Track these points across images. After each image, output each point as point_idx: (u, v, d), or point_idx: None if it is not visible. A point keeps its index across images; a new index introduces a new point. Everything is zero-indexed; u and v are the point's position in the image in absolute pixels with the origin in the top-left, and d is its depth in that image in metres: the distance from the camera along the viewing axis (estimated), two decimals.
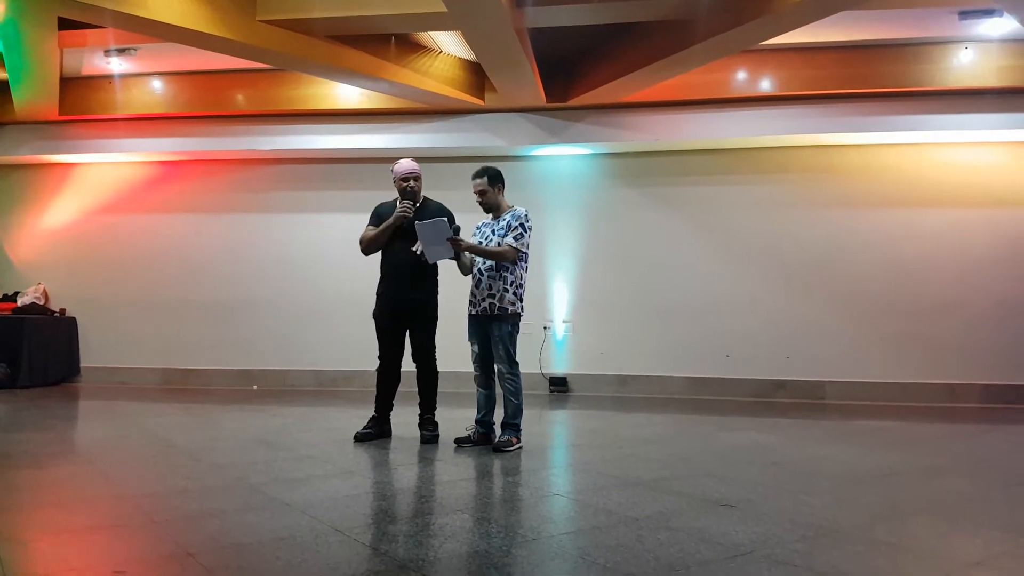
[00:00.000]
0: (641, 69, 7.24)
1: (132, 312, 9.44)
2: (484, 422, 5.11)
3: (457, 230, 4.87)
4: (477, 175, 5.08)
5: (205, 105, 8.85)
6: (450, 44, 7.82)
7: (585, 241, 8.90)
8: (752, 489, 3.87)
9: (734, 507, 3.46)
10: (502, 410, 5.05)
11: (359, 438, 5.20)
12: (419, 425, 5.30)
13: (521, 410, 5.02)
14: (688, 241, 8.74)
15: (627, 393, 8.56)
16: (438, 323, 5.32)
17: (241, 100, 8.80)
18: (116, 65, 8.36)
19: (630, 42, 7.33)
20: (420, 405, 5.32)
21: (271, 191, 9.43)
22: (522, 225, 4.97)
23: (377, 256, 5.31)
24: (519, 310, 5.00)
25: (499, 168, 5.16)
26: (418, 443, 5.14)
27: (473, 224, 5.21)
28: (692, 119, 8.35)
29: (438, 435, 5.24)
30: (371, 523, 3.24)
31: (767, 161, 8.61)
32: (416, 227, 4.86)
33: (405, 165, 5.23)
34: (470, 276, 5.10)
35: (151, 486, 3.93)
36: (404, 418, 5.42)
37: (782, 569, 2.61)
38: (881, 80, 7.79)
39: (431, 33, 7.54)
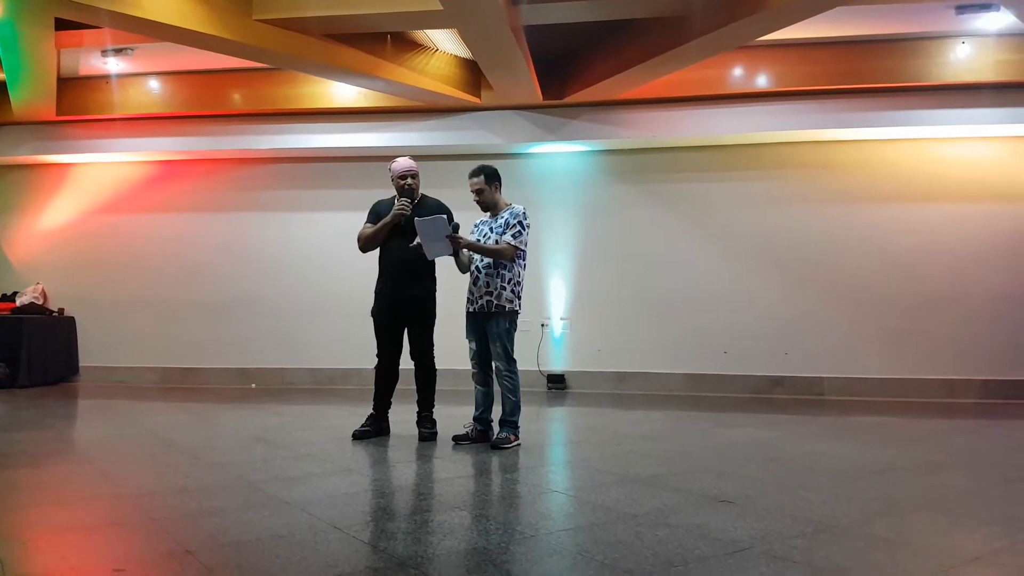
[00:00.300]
0: (637, 66, 7.24)
1: (130, 311, 9.44)
2: (482, 419, 5.11)
3: (456, 227, 4.87)
4: (473, 174, 5.08)
5: (202, 104, 8.84)
6: (446, 42, 7.81)
7: (582, 238, 8.90)
8: (751, 485, 3.87)
9: (733, 503, 3.46)
10: (500, 407, 5.05)
11: (357, 436, 5.20)
12: (417, 423, 5.31)
13: (519, 407, 5.03)
14: (685, 238, 8.75)
15: (625, 390, 8.56)
16: (436, 321, 5.32)
17: (238, 99, 8.80)
18: (113, 65, 8.38)
19: (626, 39, 7.32)
20: (418, 403, 5.33)
21: (268, 190, 9.42)
22: (520, 223, 4.97)
23: (375, 254, 5.31)
24: (517, 307, 5.01)
25: (495, 166, 5.17)
26: (416, 441, 5.14)
27: (471, 222, 5.21)
28: (688, 116, 8.35)
29: (436, 433, 5.24)
30: (370, 520, 3.25)
31: (764, 157, 8.61)
32: (415, 224, 4.86)
33: (403, 163, 5.23)
34: (468, 273, 5.10)
35: (150, 485, 3.94)
36: (402, 416, 5.43)
37: (781, 565, 2.62)
38: (878, 75, 7.79)
39: (427, 31, 7.53)
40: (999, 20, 7.05)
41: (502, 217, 5.03)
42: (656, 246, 8.76)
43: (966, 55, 7.57)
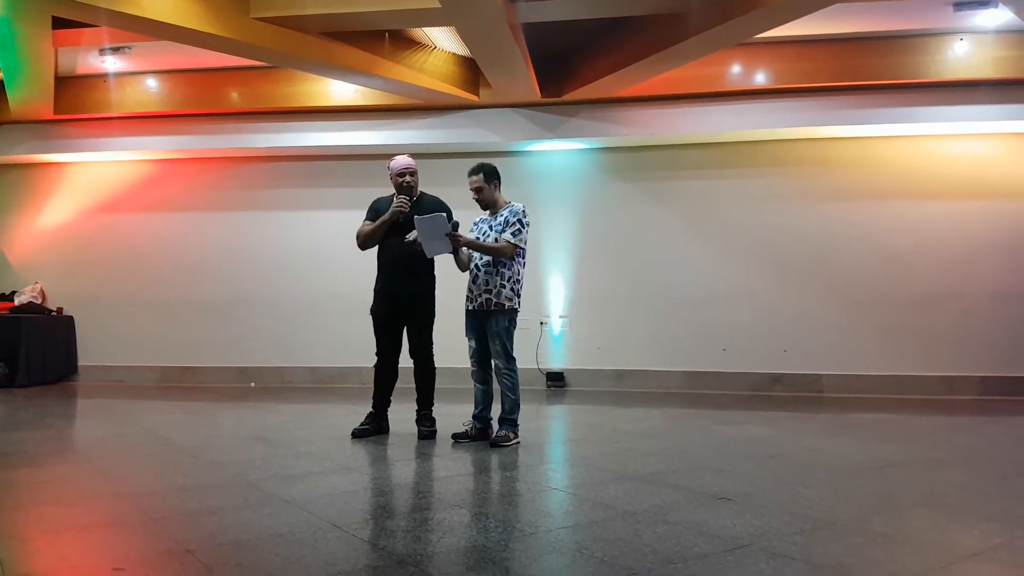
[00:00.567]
0: (635, 64, 7.23)
1: (129, 310, 9.43)
2: (481, 417, 5.12)
3: (456, 225, 4.87)
4: (473, 172, 5.08)
5: (200, 103, 8.83)
6: (444, 40, 7.80)
7: (581, 236, 8.90)
8: (750, 482, 3.88)
9: (732, 500, 3.47)
10: (499, 405, 5.05)
11: (357, 434, 5.21)
12: (417, 421, 5.31)
13: (518, 405, 5.03)
14: (684, 235, 8.75)
15: (624, 388, 8.56)
16: (435, 319, 5.32)
17: (235, 98, 8.79)
18: (110, 64, 8.35)
19: (624, 37, 7.32)
20: (417, 401, 5.33)
21: (266, 188, 9.41)
22: (520, 221, 4.97)
23: (374, 252, 5.31)
24: (516, 305, 5.01)
25: (494, 164, 5.17)
26: (416, 439, 5.14)
27: (470, 220, 5.21)
28: (686, 113, 8.34)
29: (436, 431, 5.25)
30: (369, 519, 3.25)
31: (762, 154, 8.61)
32: (415, 222, 4.86)
33: (401, 161, 5.23)
34: (467, 272, 5.11)
35: (149, 484, 3.94)
36: (402, 414, 5.43)
37: (780, 561, 2.62)
38: (876, 72, 7.78)
39: (425, 29, 7.52)
40: (997, 17, 7.04)
41: (502, 215, 5.03)
42: (655, 244, 8.76)
43: (964, 52, 7.56)
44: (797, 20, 6.41)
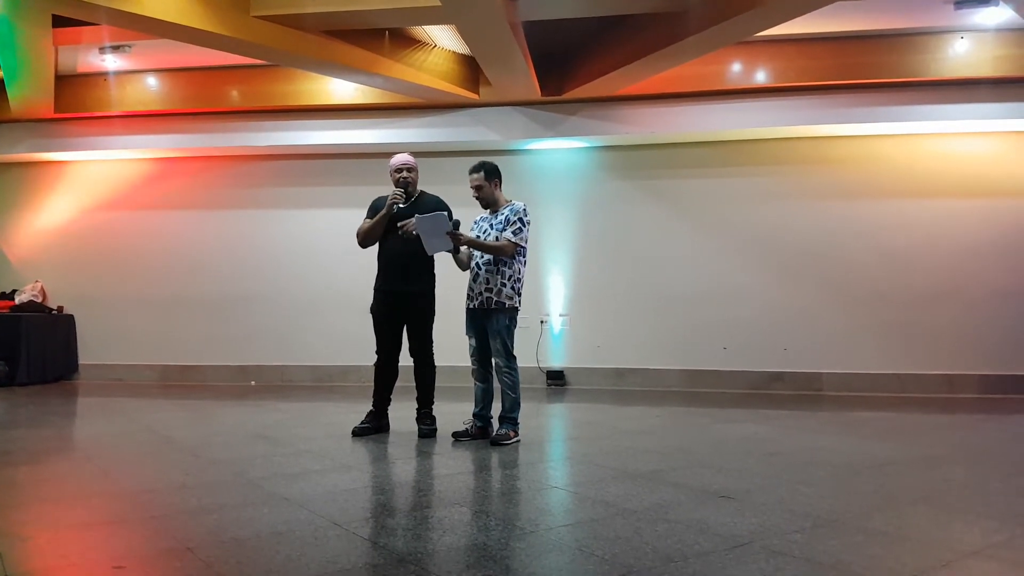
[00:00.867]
0: (635, 62, 7.22)
1: (130, 309, 9.44)
2: (482, 416, 5.12)
3: (456, 224, 4.87)
4: (474, 170, 5.08)
5: (200, 101, 8.83)
6: (444, 38, 7.80)
7: (581, 235, 8.90)
8: (750, 480, 3.88)
9: (732, 498, 3.47)
10: (500, 404, 5.05)
11: (357, 432, 5.21)
12: (417, 419, 5.31)
13: (519, 404, 5.03)
14: (684, 233, 8.75)
15: (624, 386, 8.57)
16: (436, 317, 5.32)
17: (236, 96, 8.79)
18: (111, 62, 8.36)
19: (624, 35, 7.31)
20: (418, 399, 5.33)
21: (267, 187, 9.42)
22: (520, 220, 4.97)
23: (374, 251, 5.31)
24: (516, 304, 5.01)
25: (495, 162, 5.17)
26: (416, 437, 5.15)
27: (470, 219, 5.21)
28: (686, 112, 8.33)
29: (436, 429, 5.25)
30: (370, 517, 3.25)
31: (762, 153, 8.61)
32: (415, 220, 4.86)
33: (399, 158, 5.26)
34: (468, 270, 5.11)
35: (150, 482, 3.94)
36: (402, 412, 5.43)
37: (780, 559, 2.62)
38: (876, 70, 7.78)
39: (425, 27, 7.52)
40: (997, 15, 7.04)
41: (502, 214, 5.03)
42: (655, 242, 8.76)
43: (964, 50, 7.55)
44: (797, 18, 6.41)
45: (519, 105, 8.52)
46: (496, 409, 5.10)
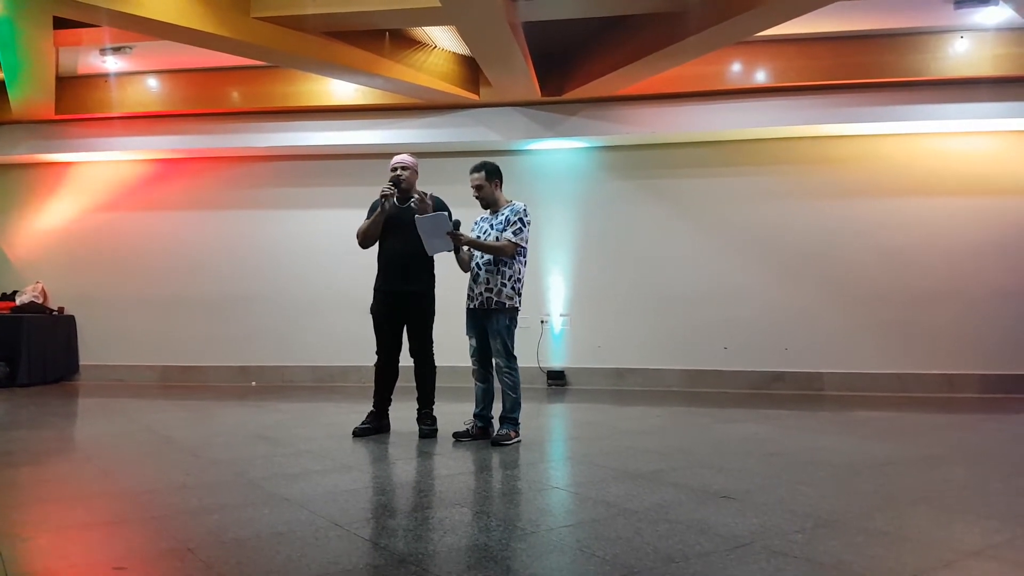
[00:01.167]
0: (635, 62, 7.22)
1: (130, 310, 9.44)
2: (482, 416, 5.12)
3: (457, 224, 4.88)
4: (475, 169, 5.08)
5: (200, 102, 8.83)
6: (444, 39, 7.80)
7: (581, 235, 8.90)
8: (751, 480, 3.88)
9: (733, 498, 3.47)
10: (500, 404, 5.05)
11: (358, 433, 5.21)
12: (417, 420, 5.31)
13: (519, 404, 5.03)
14: (684, 233, 8.74)
15: (625, 386, 8.56)
16: (436, 317, 5.33)
17: (236, 97, 8.79)
18: (111, 64, 8.36)
19: (624, 35, 7.32)
20: (418, 400, 5.33)
21: (267, 188, 9.42)
22: (521, 220, 4.97)
23: (374, 251, 5.32)
24: (517, 304, 5.01)
25: (496, 163, 5.17)
26: (417, 438, 5.15)
27: (470, 219, 5.22)
28: (687, 111, 8.34)
29: (436, 429, 5.25)
30: (370, 517, 3.25)
31: (762, 152, 8.61)
32: (416, 221, 4.87)
33: (396, 158, 5.30)
34: (468, 271, 5.11)
35: (150, 482, 3.94)
36: (403, 413, 5.43)
37: (781, 560, 2.62)
38: (876, 70, 7.78)
39: (425, 28, 7.52)
40: (997, 14, 7.04)
41: (502, 214, 5.03)
42: (655, 242, 8.76)
43: (964, 49, 7.55)
44: (797, 18, 6.41)
45: (519, 105, 8.53)
46: (497, 409, 5.10)
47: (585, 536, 2.93)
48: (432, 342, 5.31)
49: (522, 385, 5.06)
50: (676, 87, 8.11)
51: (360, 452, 4.78)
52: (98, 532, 3.04)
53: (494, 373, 5.10)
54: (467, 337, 5.14)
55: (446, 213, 4.91)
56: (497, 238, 4.96)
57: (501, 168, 5.19)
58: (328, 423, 5.94)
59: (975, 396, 7.86)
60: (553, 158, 9.01)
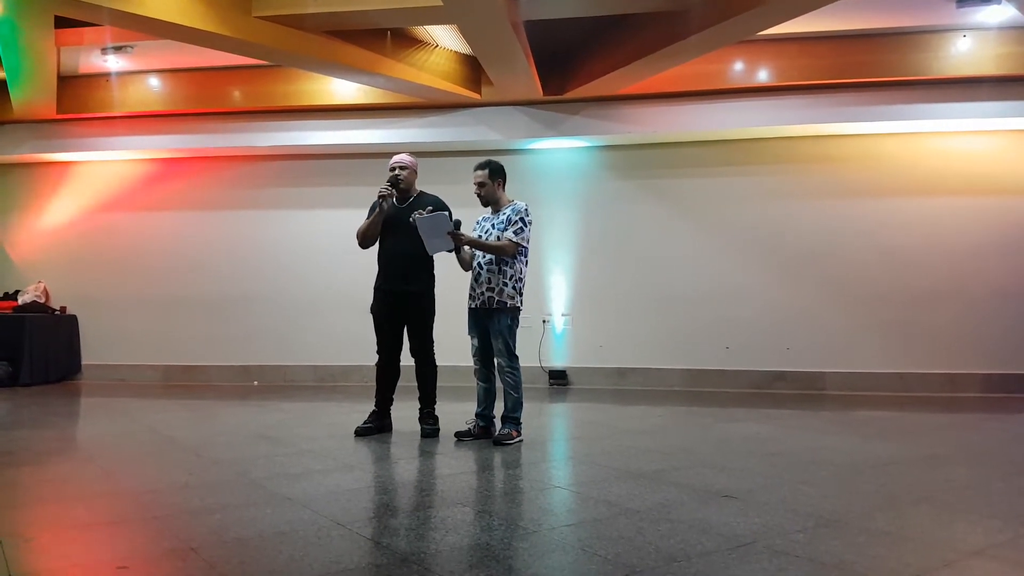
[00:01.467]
0: (637, 61, 7.22)
1: (132, 309, 9.45)
2: (484, 416, 5.12)
3: (458, 224, 4.87)
4: (479, 167, 5.08)
5: (202, 102, 8.84)
6: (446, 38, 7.80)
7: (583, 234, 8.90)
8: (752, 480, 3.88)
9: (735, 498, 3.47)
10: (502, 404, 5.05)
11: (360, 432, 5.21)
12: (419, 419, 5.31)
13: (521, 403, 5.03)
14: (686, 233, 8.74)
15: (626, 386, 8.56)
16: (437, 317, 5.33)
17: (238, 96, 8.79)
18: (113, 63, 8.37)
19: (626, 34, 7.31)
20: (420, 399, 5.33)
21: (269, 187, 9.42)
22: (522, 219, 4.97)
23: (374, 250, 5.32)
24: (518, 304, 5.01)
25: (500, 162, 5.18)
26: (418, 437, 5.15)
27: (471, 219, 5.22)
28: (688, 111, 8.33)
29: (438, 429, 5.25)
30: (372, 517, 3.25)
31: (764, 152, 8.60)
32: (416, 220, 4.87)
33: (395, 157, 5.30)
34: (470, 270, 5.11)
35: (152, 482, 3.95)
36: (404, 412, 5.43)
37: (783, 559, 2.62)
38: (878, 69, 7.77)
39: (427, 27, 7.52)
40: (1000, 13, 7.03)
41: (504, 213, 5.03)
42: (657, 241, 8.76)
43: (967, 48, 7.54)
44: (798, 17, 6.41)
45: (521, 105, 8.52)
46: (498, 409, 5.11)
47: (587, 535, 2.93)
48: (432, 342, 5.31)
49: (524, 384, 5.07)
50: (678, 86, 8.11)
51: (362, 451, 4.78)
52: (100, 532, 3.05)
53: (496, 373, 5.10)
54: (469, 337, 5.14)
55: (446, 213, 4.91)
56: (498, 237, 4.96)
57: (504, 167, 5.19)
58: (330, 423, 5.95)
59: (977, 395, 7.86)
60: (555, 157, 9.00)
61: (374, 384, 5.40)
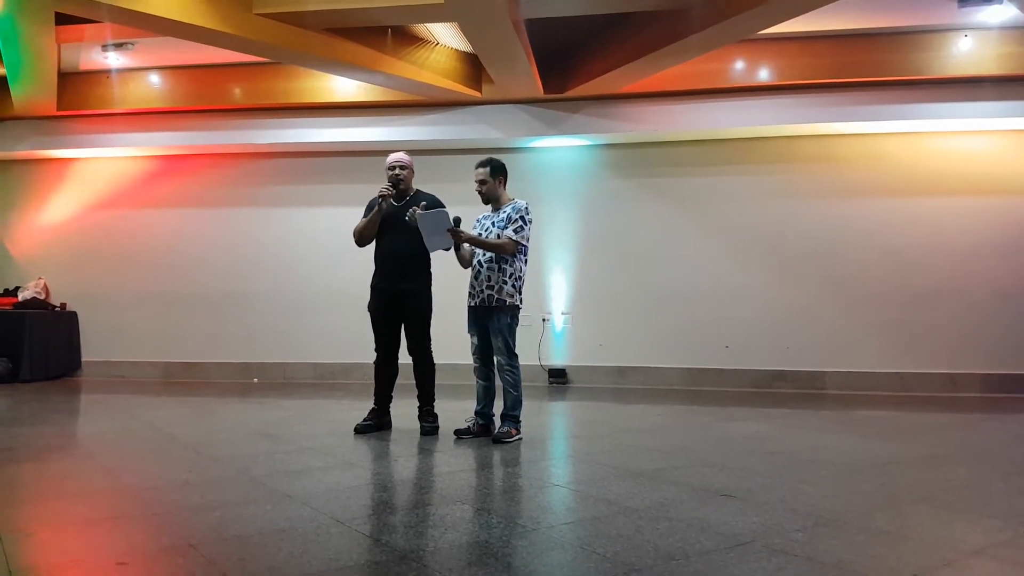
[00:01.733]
0: (638, 60, 7.22)
1: (132, 306, 9.46)
2: (483, 413, 5.12)
3: (457, 221, 4.87)
4: (481, 164, 5.08)
5: (202, 99, 8.84)
6: (447, 36, 7.80)
7: (583, 233, 8.90)
8: (752, 479, 3.88)
9: (734, 497, 3.47)
10: (501, 402, 5.05)
11: (359, 430, 5.21)
12: (419, 417, 5.31)
13: (520, 401, 5.03)
14: (686, 232, 8.74)
15: (626, 384, 8.57)
16: (436, 315, 5.32)
17: (238, 94, 8.80)
18: (113, 60, 8.38)
19: (627, 33, 7.31)
20: (419, 397, 5.33)
21: (269, 184, 9.42)
22: (522, 218, 4.97)
23: (373, 247, 5.32)
24: (518, 302, 5.01)
25: (501, 160, 5.18)
26: (418, 435, 5.15)
27: (471, 216, 5.21)
28: (689, 109, 8.33)
29: (438, 427, 5.25)
30: (372, 514, 3.25)
31: (765, 151, 8.60)
32: (416, 216, 4.86)
33: (393, 156, 5.30)
34: (469, 268, 5.11)
35: (152, 479, 3.95)
36: (404, 410, 5.43)
37: (782, 558, 2.62)
38: (880, 68, 7.77)
39: (427, 25, 7.52)
40: (1001, 13, 7.04)
41: (504, 211, 5.03)
42: (657, 240, 8.76)
43: (968, 48, 7.55)
44: (799, 16, 6.41)
45: (521, 103, 8.53)
46: (498, 407, 5.10)
47: (586, 534, 2.93)
48: (430, 340, 5.31)
49: (523, 383, 5.07)
50: (678, 85, 8.11)
51: (361, 449, 4.78)
52: (100, 528, 3.05)
53: (495, 371, 5.10)
54: (468, 335, 5.14)
55: (446, 210, 4.91)
56: (499, 235, 4.96)
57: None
58: (329, 420, 5.95)
59: (977, 395, 7.86)
60: (555, 156, 9.00)
61: (373, 382, 5.40)
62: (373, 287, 5.33)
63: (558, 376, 8.72)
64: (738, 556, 2.64)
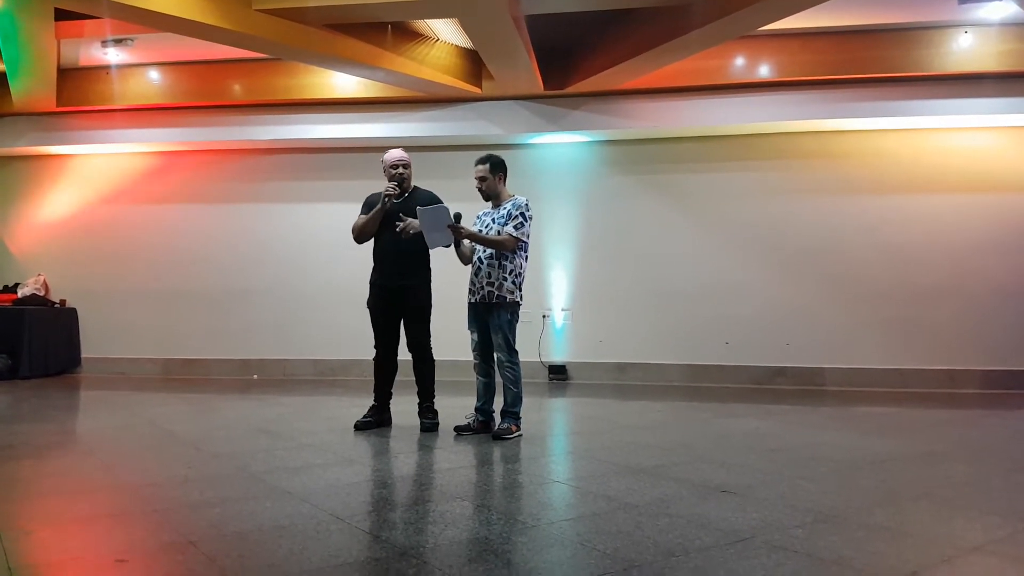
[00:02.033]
0: (638, 56, 7.21)
1: (132, 303, 9.45)
2: (484, 410, 5.12)
3: (458, 217, 4.87)
4: (480, 161, 5.07)
5: (202, 95, 8.83)
6: (447, 32, 7.79)
7: (583, 229, 8.90)
8: (751, 475, 3.88)
9: (734, 493, 3.47)
10: (502, 398, 5.05)
11: (359, 427, 5.22)
12: (419, 413, 5.32)
13: (520, 398, 5.03)
14: (686, 228, 8.74)
15: (626, 381, 8.57)
16: (436, 312, 5.32)
17: (238, 90, 8.79)
18: (113, 56, 8.37)
19: (627, 29, 7.30)
20: (419, 394, 5.33)
21: (269, 181, 9.42)
22: (522, 214, 4.96)
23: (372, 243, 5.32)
24: (518, 299, 5.01)
25: (501, 156, 5.17)
26: (418, 431, 5.15)
27: (471, 213, 5.21)
28: (690, 106, 8.32)
29: (438, 423, 5.26)
30: (371, 511, 3.25)
31: (765, 147, 8.59)
32: (417, 213, 4.86)
33: (394, 153, 5.28)
34: (469, 265, 5.10)
35: (152, 475, 3.95)
36: (404, 406, 5.44)
37: (781, 554, 2.62)
38: (880, 65, 7.76)
39: (428, 21, 7.51)
40: (1002, 10, 7.02)
41: (504, 208, 5.03)
42: (657, 237, 8.75)
43: (968, 45, 7.54)
44: (800, 13, 6.40)
45: (522, 99, 8.52)
46: (498, 403, 5.11)
47: (586, 530, 2.93)
48: (430, 336, 5.30)
49: (523, 379, 5.07)
50: (679, 81, 8.10)
51: (361, 446, 4.78)
52: (100, 525, 3.05)
53: (495, 367, 5.10)
54: (468, 331, 5.14)
55: (446, 206, 4.91)
56: (499, 232, 4.96)
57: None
58: (329, 417, 5.95)
59: (976, 392, 7.86)
60: (555, 152, 9.00)
61: (373, 378, 5.40)
62: (372, 283, 5.33)
63: (558, 372, 8.72)
64: (738, 552, 2.64)
